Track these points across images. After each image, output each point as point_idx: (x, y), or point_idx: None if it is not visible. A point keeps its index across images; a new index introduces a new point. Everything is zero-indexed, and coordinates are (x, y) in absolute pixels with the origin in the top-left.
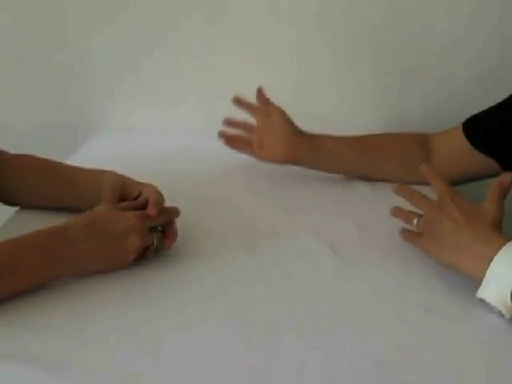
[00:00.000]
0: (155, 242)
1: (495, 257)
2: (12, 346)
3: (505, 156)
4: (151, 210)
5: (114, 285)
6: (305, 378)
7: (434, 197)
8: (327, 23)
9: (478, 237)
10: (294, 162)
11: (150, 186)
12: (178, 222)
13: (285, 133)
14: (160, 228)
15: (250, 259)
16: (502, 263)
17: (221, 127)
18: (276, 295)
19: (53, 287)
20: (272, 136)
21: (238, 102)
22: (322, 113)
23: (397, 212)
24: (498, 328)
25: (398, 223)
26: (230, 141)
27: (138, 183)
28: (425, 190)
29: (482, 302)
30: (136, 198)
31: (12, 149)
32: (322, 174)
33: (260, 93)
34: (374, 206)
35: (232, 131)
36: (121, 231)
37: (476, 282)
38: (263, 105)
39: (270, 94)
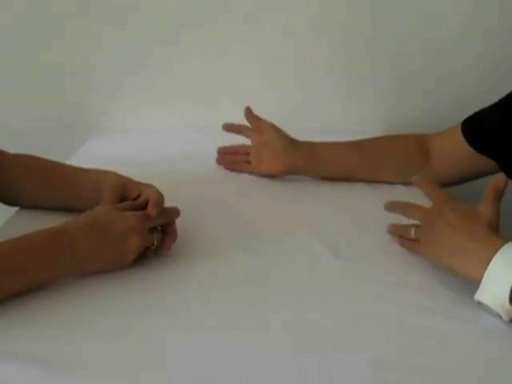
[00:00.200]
0: (155, 242)
1: (493, 258)
2: (12, 345)
3: (503, 155)
4: (151, 211)
5: (114, 285)
6: (304, 378)
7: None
8: (326, 24)
9: (475, 239)
10: (293, 172)
11: (150, 186)
12: (178, 222)
13: (280, 146)
14: (160, 228)
15: (250, 259)
16: (499, 265)
17: (221, 127)
18: (276, 295)
19: (53, 287)
20: (268, 151)
21: (228, 127)
22: (322, 113)
23: (394, 229)
24: (497, 329)
25: (399, 222)
26: (230, 165)
27: (139, 183)
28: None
29: (481, 304)
30: (136, 198)
31: (12, 149)
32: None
33: (249, 112)
34: (374, 207)
35: (229, 156)
36: (121, 231)
37: (474, 284)
38: (254, 123)
39: (269, 95)
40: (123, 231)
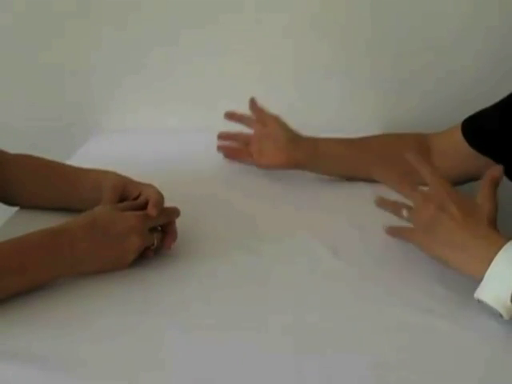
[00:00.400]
0: (155, 242)
1: (495, 258)
2: (12, 345)
3: (503, 156)
4: (151, 210)
5: (114, 285)
6: (304, 378)
7: None
8: (326, 24)
9: (477, 236)
10: (295, 166)
11: (150, 186)
12: (178, 222)
13: (283, 139)
14: (160, 228)
15: (250, 260)
16: (501, 264)
17: (220, 128)
18: (276, 296)
19: (53, 287)
20: (271, 143)
21: (231, 116)
22: (322, 113)
23: (382, 202)
24: (497, 329)
25: (399, 222)
26: (230, 153)
27: (139, 183)
28: None
29: (480, 303)
30: (136, 198)
31: (12, 149)
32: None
33: (253, 103)
34: (375, 207)
35: (229, 144)
36: (121, 231)
37: (471, 279)
38: (258, 114)
39: (270, 95)
40: (123, 231)
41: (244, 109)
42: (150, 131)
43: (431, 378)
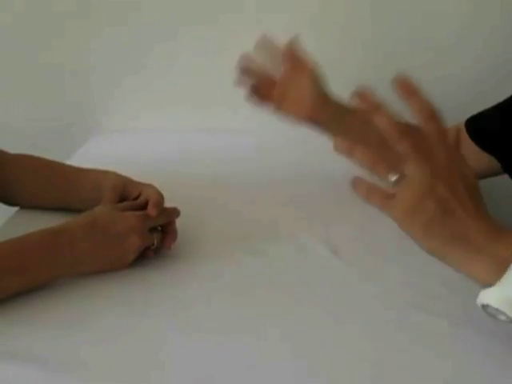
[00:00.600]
0: (155, 242)
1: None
2: (12, 345)
3: (505, 156)
4: (151, 210)
5: (113, 285)
6: (304, 379)
7: None
8: (326, 24)
9: (491, 235)
10: (315, 122)
11: (150, 186)
12: (178, 222)
13: (314, 91)
14: (160, 228)
15: (251, 260)
16: None
17: (220, 128)
18: (276, 296)
19: (53, 287)
20: (298, 91)
21: (264, 43)
22: None
23: (366, 161)
24: (498, 329)
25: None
26: (252, 90)
27: (139, 183)
28: None
29: (485, 307)
30: (136, 198)
31: (12, 149)
32: (322, 174)
33: (292, 46)
34: (375, 207)
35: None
36: (121, 231)
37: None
38: (293, 60)
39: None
40: (123, 231)
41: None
42: (150, 131)
43: (431, 378)
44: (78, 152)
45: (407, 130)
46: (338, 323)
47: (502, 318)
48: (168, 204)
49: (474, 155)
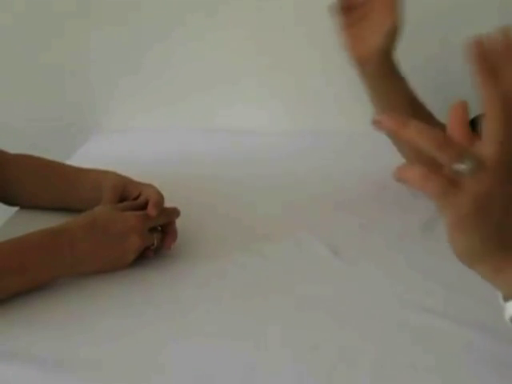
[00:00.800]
0: (155, 242)
1: None
2: (12, 345)
3: None
4: (151, 211)
5: (114, 285)
6: (305, 379)
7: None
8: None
9: None
10: (364, 71)
11: (150, 186)
12: (178, 222)
13: (382, 40)
14: (160, 228)
15: (251, 260)
16: None
17: (220, 129)
18: (276, 296)
19: (53, 287)
20: (377, 37)
21: None
22: (321, 113)
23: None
24: (498, 329)
25: (399, 223)
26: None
27: (139, 183)
28: None
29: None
30: (136, 198)
31: (12, 149)
32: (322, 174)
33: None
34: (375, 206)
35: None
36: (121, 231)
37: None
38: (385, 4)
39: (269, 95)
40: (123, 231)
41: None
42: (150, 131)
43: (431, 378)
44: (78, 152)
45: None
46: (337, 323)
47: None
48: (168, 204)
49: None
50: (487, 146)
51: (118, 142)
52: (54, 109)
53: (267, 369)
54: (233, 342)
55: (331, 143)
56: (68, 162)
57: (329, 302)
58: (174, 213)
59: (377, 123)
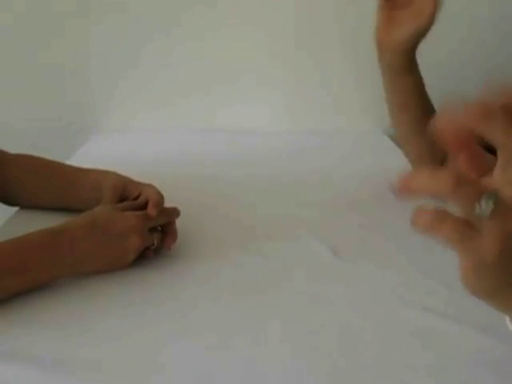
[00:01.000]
0: (155, 242)
1: None
2: (12, 345)
3: None
4: (151, 211)
5: (114, 285)
6: (304, 376)
7: None
8: (327, 23)
9: None
10: (381, 56)
11: (150, 186)
12: (178, 222)
13: (407, 33)
14: (160, 228)
15: (251, 260)
16: None
17: (220, 129)
18: (276, 296)
19: (53, 287)
20: (407, 27)
21: None
22: (322, 113)
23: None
24: (499, 329)
25: (399, 223)
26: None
27: (139, 183)
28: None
29: None
30: (136, 198)
31: (12, 149)
32: (322, 174)
33: None
34: (375, 206)
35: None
36: (121, 231)
37: None
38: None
39: (269, 95)
40: (123, 231)
41: (245, 112)
42: (150, 131)
43: (431, 378)
44: (78, 152)
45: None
46: (337, 323)
47: None
48: (168, 204)
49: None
50: (506, 185)
51: (117, 142)
52: (54, 109)
53: (267, 367)
54: (233, 341)
55: (331, 143)
56: (68, 162)
57: (328, 301)
58: (174, 213)
59: (394, 190)
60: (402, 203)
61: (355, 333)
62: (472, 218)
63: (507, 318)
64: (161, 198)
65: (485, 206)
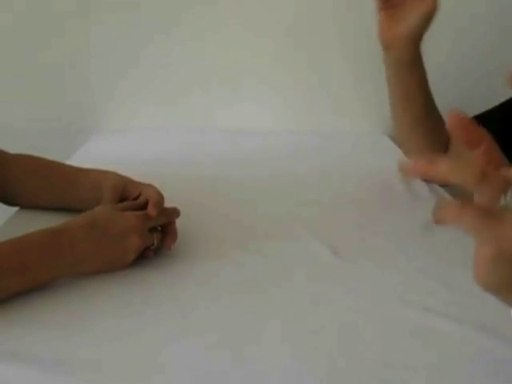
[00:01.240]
0: (155, 242)
1: None
2: (12, 346)
3: (506, 157)
4: (151, 211)
5: (114, 285)
6: (304, 376)
7: None
8: (327, 23)
9: None
10: (389, 50)
11: (150, 186)
12: (178, 222)
13: (413, 27)
14: (160, 228)
15: (251, 260)
16: None
17: (220, 129)
18: (276, 296)
19: (53, 287)
20: (415, 21)
21: None
22: (322, 114)
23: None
24: (499, 329)
25: (399, 223)
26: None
27: (139, 183)
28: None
29: None
30: (136, 198)
31: (12, 149)
32: (322, 174)
33: None
34: (375, 206)
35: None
36: (121, 231)
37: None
38: None
39: (270, 94)
40: (123, 231)
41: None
42: (150, 131)
43: (432, 378)
44: (78, 152)
45: None
46: (337, 323)
47: None
48: (168, 204)
49: None
50: None
51: (117, 142)
52: (54, 109)
53: (267, 367)
54: (233, 341)
55: (331, 143)
56: (68, 162)
57: (329, 301)
58: (174, 213)
59: (404, 171)
60: (403, 203)
61: (355, 333)
62: (497, 209)
63: None
64: (161, 198)
65: (510, 198)
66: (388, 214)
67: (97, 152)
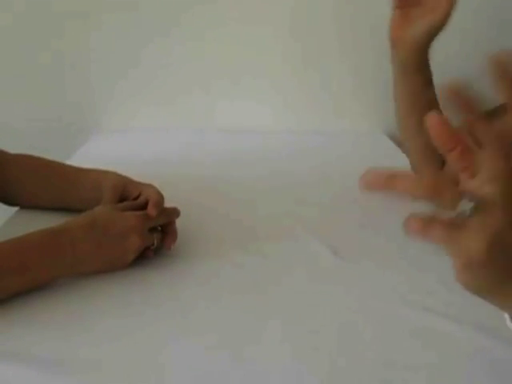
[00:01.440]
0: (155, 242)
1: None
2: (12, 346)
3: None
4: (151, 211)
5: (114, 285)
6: (305, 376)
7: None
8: (328, 23)
9: None
10: (393, 50)
11: (150, 186)
12: (178, 222)
13: (419, 32)
14: (160, 228)
15: (251, 260)
16: None
17: (220, 129)
18: (276, 296)
19: (53, 287)
20: (424, 25)
21: None
22: (323, 113)
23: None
24: (499, 329)
25: (399, 223)
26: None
27: (139, 183)
28: None
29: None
30: (136, 198)
31: (12, 149)
32: (321, 174)
33: None
34: (375, 206)
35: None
36: (121, 231)
37: None
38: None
39: (270, 94)
40: (123, 231)
41: (245, 111)
42: (149, 131)
43: (432, 378)
44: (78, 152)
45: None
46: (337, 323)
47: None
48: (168, 204)
49: None
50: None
51: (117, 142)
52: (54, 109)
53: (267, 367)
54: (233, 341)
55: (332, 143)
56: (68, 162)
57: (328, 301)
58: (174, 213)
59: (364, 184)
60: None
61: (355, 333)
62: (461, 221)
63: (507, 317)
64: (161, 198)
65: (465, 206)
66: (388, 214)
67: (97, 152)
